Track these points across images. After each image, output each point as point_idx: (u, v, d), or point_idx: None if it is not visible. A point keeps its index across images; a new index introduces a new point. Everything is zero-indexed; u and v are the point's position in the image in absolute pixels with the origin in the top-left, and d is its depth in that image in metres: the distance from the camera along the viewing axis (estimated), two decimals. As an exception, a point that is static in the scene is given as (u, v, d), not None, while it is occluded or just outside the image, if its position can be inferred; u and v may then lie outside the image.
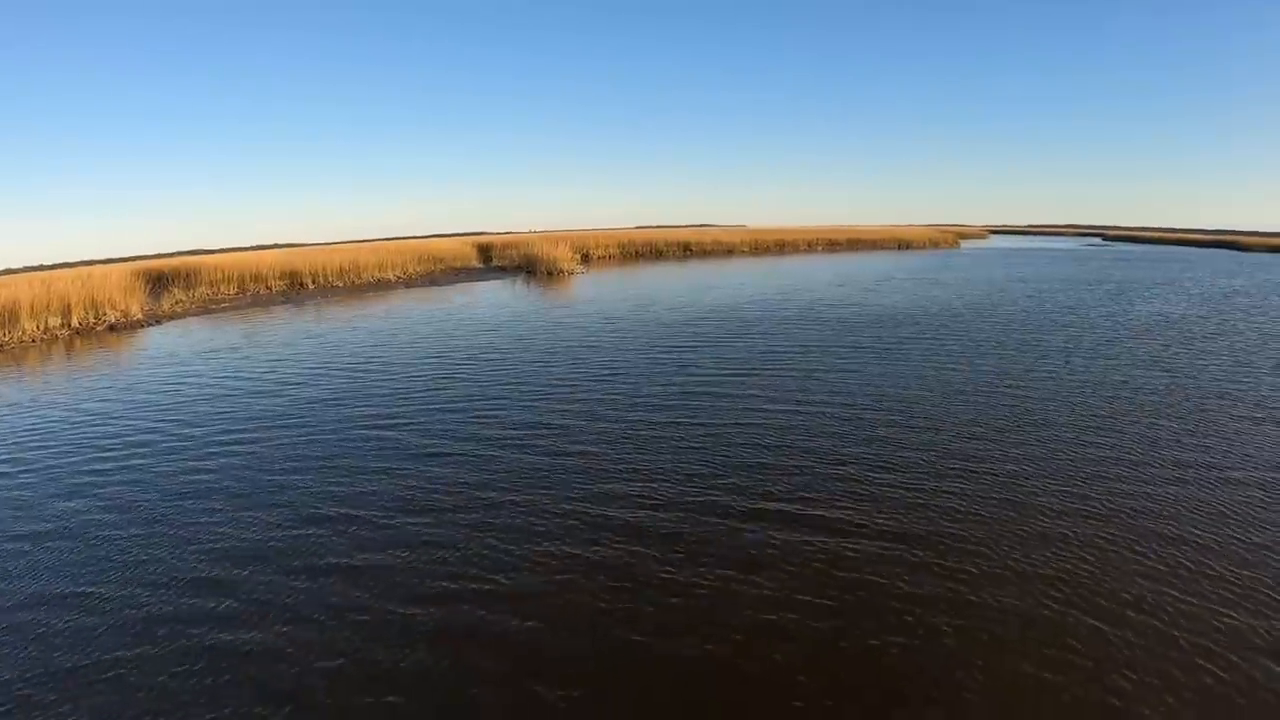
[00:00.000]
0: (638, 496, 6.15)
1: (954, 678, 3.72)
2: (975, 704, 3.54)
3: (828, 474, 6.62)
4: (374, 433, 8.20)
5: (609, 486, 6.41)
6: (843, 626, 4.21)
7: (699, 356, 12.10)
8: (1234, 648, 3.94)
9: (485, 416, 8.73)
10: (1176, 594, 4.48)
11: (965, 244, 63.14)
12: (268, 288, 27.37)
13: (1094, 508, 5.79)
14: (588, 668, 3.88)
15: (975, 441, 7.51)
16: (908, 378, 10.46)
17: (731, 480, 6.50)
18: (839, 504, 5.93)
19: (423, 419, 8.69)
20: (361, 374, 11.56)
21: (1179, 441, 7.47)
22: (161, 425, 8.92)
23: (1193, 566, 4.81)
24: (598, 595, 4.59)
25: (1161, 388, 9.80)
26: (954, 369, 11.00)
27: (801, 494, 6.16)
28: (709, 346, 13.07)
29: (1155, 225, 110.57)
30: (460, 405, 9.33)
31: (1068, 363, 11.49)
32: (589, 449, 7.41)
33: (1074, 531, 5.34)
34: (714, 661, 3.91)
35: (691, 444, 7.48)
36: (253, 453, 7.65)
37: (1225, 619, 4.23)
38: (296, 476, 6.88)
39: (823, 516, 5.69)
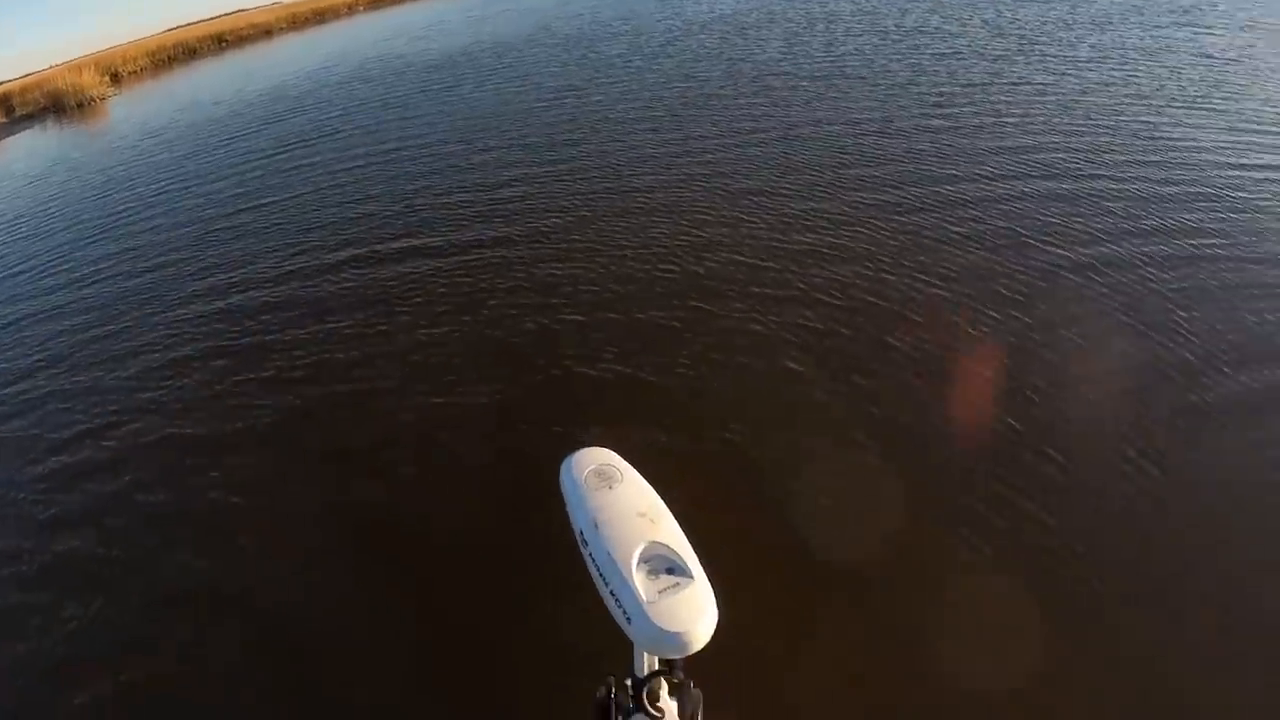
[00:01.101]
0: (251, 279, 5.95)
1: (606, 338, 4.09)
2: (632, 348, 3.95)
3: (423, 207, 6.76)
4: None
5: (215, 292, 5.92)
6: (488, 328, 4.48)
7: (259, 141, 11.33)
8: (805, 270, 4.45)
9: (58, 288, 7.01)
10: (756, 241, 4.94)
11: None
12: None
13: (680, 183, 6.18)
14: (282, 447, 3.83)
15: (557, 149, 7.65)
16: (475, 108, 10.33)
17: (328, 240, 6.46)
18: (444, 231, 6.11)
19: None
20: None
21: (749, 115, 7.81)
22: None
23: (763, 214, 5.33)
24: (245, 411, 4.18)
25: (723, 74, 9.84)
26: (520, 93, 10.81)
27: (404, 233, 6.23)
28: (265, 128, 12.28)
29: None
30: (23, 291, 7.25)
31: (629, 65, 11.21)
32: (166, 261, 6.96)
33: (669, 208, 5.71)
34: (405, 409, 3.87)
35: (280, 224, 7.29)
36: None
37: (799, 245, 4.79)
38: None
39: (433, 244, 5.88)
